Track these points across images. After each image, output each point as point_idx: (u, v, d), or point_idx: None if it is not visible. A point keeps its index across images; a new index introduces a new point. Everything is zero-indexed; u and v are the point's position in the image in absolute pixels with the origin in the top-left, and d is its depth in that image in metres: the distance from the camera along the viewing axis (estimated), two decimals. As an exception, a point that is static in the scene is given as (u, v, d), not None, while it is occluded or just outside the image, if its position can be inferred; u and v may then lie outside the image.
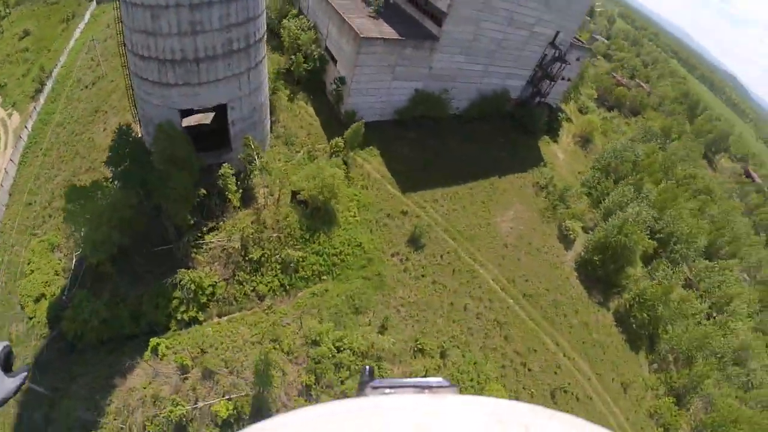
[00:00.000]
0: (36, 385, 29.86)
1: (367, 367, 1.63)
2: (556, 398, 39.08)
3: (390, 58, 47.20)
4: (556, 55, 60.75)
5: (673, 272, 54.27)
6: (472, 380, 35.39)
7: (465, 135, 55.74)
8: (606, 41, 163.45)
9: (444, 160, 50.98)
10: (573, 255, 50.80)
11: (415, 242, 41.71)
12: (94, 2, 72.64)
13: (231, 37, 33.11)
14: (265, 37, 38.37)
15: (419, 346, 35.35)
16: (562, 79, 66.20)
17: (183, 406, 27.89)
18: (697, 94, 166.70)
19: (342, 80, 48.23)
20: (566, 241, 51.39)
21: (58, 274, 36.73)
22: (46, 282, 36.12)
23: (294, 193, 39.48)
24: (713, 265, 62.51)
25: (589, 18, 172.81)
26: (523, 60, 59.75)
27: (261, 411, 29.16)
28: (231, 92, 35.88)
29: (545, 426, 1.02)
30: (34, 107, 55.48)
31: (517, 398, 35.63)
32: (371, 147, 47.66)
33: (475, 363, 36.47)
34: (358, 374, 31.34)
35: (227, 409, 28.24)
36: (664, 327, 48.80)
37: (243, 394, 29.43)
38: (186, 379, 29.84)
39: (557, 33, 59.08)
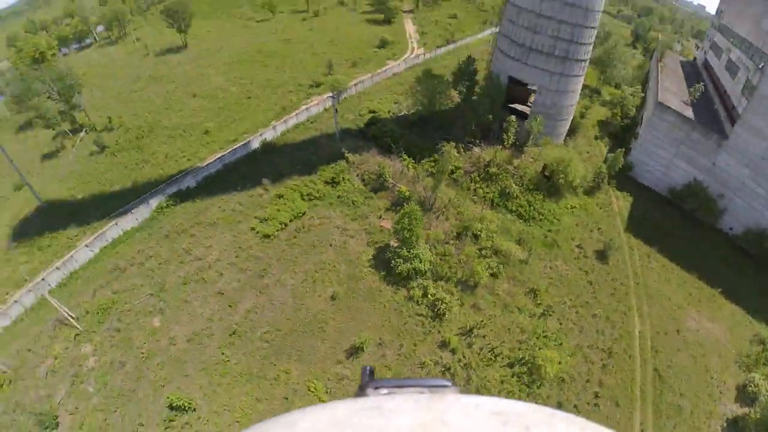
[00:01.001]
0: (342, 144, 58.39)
1: (368, 367, 1.78)
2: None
3: (678, 133, 58.17)
4: None
5: None
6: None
7: (729, 262, 56.17)
8: None
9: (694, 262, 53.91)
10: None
11: (602, 253, 51.21)
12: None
13: (555, 45, 54.50)
14: (585, 63, 57.47)
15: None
16: None
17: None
18: None
19: (636, 135, 62.34)
20: None
21: (389, 112, 65.05)
22: (381, 110, 65.09)
23: (544, 167, 56.10)
24: None
25: None
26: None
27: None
28: (542, 80, 57.13)
29: (546, 426, 1.12)
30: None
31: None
32: (628, 193, 59.67)
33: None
34: None
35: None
36: None
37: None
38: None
39: None
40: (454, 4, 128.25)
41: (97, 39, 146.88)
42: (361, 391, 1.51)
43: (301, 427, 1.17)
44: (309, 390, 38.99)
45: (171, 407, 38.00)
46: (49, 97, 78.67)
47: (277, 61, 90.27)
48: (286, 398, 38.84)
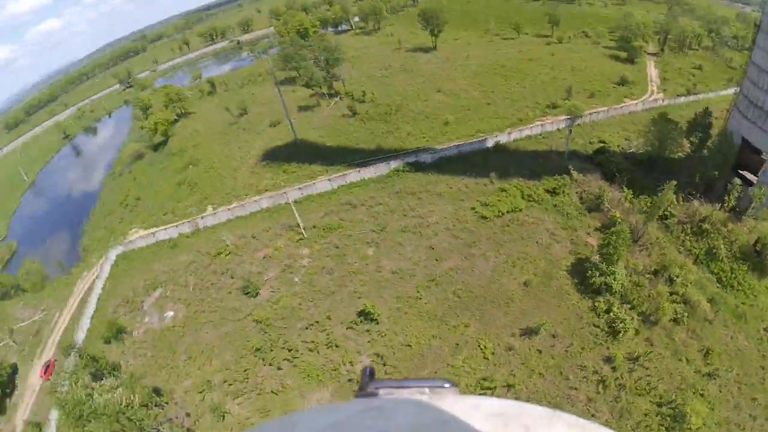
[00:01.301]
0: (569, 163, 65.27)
1: (368, 368, 1.84)
2: None
3: None
4: None
5: None
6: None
7: None
8: None
9: None
10: None
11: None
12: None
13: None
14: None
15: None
16: None
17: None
18: None
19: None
20: None
21: (618, 146, 72.21)
22: (611, 142, 72.43)
23: (757, 240, 56.92)
24: None
25: None
26: None
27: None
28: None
29: (546, 426, 1.16)
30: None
31: None
32: None
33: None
34: None
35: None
36: None
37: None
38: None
39: None
40: (701, 55, 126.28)
41: (353, 27, 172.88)
42: (361, 392, 1.60)
43: (302, 428, 1.24)
44: (479, 346, 46.23)
45: (360, 313, 49.05)
46: (315, 63, 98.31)
47: (518, 77, 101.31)
48: (457, 344, 46.73)
